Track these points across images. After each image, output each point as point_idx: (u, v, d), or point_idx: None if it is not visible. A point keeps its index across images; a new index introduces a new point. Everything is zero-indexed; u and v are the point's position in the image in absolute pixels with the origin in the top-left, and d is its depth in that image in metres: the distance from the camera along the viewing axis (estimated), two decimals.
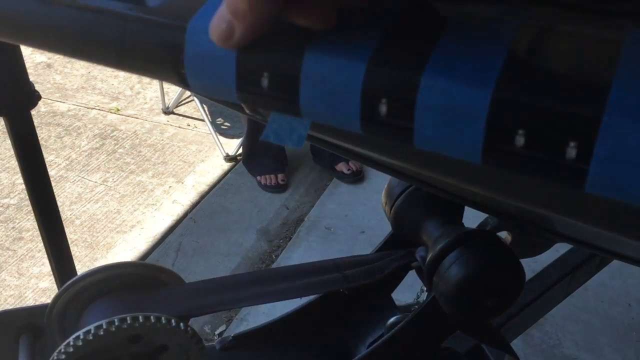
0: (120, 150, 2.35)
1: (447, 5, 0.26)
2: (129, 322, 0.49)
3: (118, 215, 2.02)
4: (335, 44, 0.24)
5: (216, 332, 1.59)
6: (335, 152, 0.48)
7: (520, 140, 0.22)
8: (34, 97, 0.66)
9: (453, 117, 0.22)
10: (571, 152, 0.21)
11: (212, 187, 2.15)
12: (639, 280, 1.73)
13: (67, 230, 1.97)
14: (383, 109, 0.24)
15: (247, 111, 0.35)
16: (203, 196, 2.11)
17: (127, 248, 1.87)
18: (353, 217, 1.97)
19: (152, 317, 0.49)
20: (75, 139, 2.41)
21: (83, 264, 1.81)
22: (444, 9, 0.26)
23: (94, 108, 2.62)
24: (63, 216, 2.01)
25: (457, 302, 0.52)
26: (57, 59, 3.03)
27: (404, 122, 0.24)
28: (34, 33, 0.30)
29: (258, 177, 2.11)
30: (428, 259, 0.54)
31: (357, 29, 0.25)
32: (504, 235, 0.62)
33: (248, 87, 0.26)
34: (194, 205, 2.06)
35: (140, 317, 0.49)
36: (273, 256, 1.85)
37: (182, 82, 0.27)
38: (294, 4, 0.24)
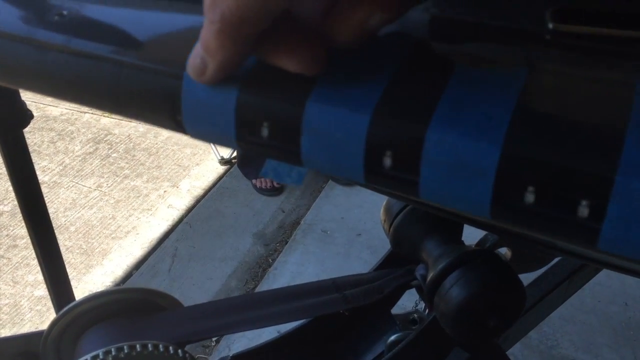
0: (114, 154, 2.34)
1: (450, 46, 0.26)
2: (126, 351, 0.48)
3: (113, 220, 2.01)
4: (337, 94, 0.24)
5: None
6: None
7: (530, 198, 0.21)
8: (27, 117, 0.65)
9: (460, 172, 0.22)
10: (583, 210, 0.20)
11: (208, 191, 2.14)
12: (636, 280, 1.74)
13: (61, 237, 1.95)
14: (387, 161, 0.23)
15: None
16: (198, 200, 2.10)
17: (123, 254, 1.86)
18: (349, 219, 1.96)
19: (149, 345, 0.49)
20: (69, 144, 2.39)
21: (78, 271, 1.80)
22: (449, 53, 0.25)
23: (87, 112, 2.60)
24: (57, 223, 2.00)
25: (458, 323, 0.51)
26: None
27: (410, 176, 0.23)
28: (28, 78, 0.29)
29: (253, 181, 2.10)
30: (428, 279, 0.54)
31: (360, 77, 0.24)
32: (503, 251, 0.61)
33: (247, 136, 0.25)
34: (190, 210, 2.05)
35: (137, 346, 0.48)
36: (270, 260, 1.84)
37: (179, 129, 0.26)
38: (280, 47, 0.23)
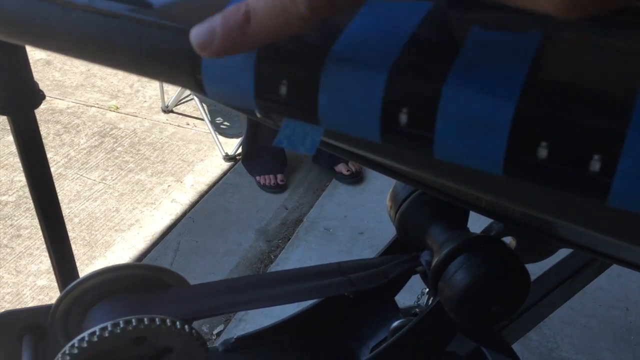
0: (119, 148, 2.35)
1: (466, 11, 0.26)
2: (134, 324, 0.49)
3: (117, 213, 2.01)
4: (356, 52, 0.24)
5: (214, 332, 1.58)
6: (337, 154, 0.48)
7: (543, 153, 0.22)
8: (38, 97, 0.66)
9: (475, 128, 0.22)
10: (595, 165, 0.21)
11: (211, 186, 2.15)
12: (637, 284, 1.74)
13: None
14: (404, 118, 0.24)
15: (260, 116, 0.35)
16: (202, 196, 2.10)
17: (126, 247, 1.87)
18: (352, 218, 1.97)
19: (157, 319, 0.49)
20: (74, 137, 2.40)
21: (81, 262, 1.80)
22: (466, 17, 0.26)
23: (93, 106, 2.62)
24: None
25: (462, 308, 0.52)
26: (57, 56, 3.02)
27: (425, 132, 0.23)
28: (51, 37, 0.30)
29: (257, 177, 2.10)
30: (433, 264, 0.54)
31: (378, 36, 0.25)
32: (508, 240, 0.62)
33: (266, 94, 0.26)
34: (193, 205, 2.06)
35: (145, 319, 0.49)
36: (272, 256, 1.84)
37: (199, 88, 0.27)
38: None
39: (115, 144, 2.37)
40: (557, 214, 0.42)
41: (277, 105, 0.26)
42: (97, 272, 0.54)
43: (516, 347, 1.58)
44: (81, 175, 2.19)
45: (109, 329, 0.48)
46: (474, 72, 0.23)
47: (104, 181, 2.16)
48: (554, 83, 0.22)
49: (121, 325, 0.48)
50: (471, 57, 0.23)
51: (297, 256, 1.82)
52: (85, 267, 1.79)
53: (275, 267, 1.78)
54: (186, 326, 0.51)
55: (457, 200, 0.54)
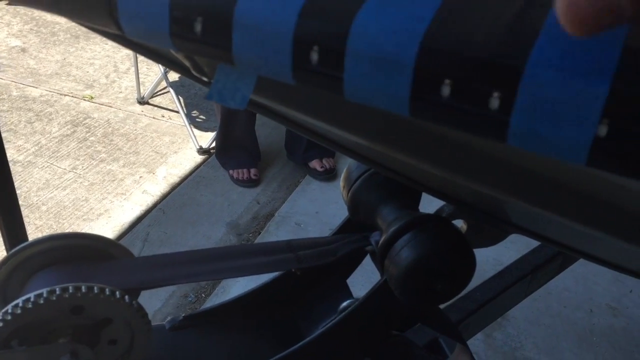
0: (91, 138, 2.32)
1: None
2: (70, 291, 0.48)
3: (86, 203, 1.99)
4: None
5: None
6: (287, 125, 0.47)
7: (446, 90, 0.22)
8: None
9: (381, 66, 0.22)
10: (494, 102, 0.21)
11: (184, 179, 2.13)
12: (602, 287, 1.76)
13: (32, 216, 1.93)
14: (314, 56, 0.23)
15: (194, 72, 0.35)
16: (174, 188, 2.08)
17: None
18: (324, 214, 1.97)
19: (95, 288, 0.48)
20: (46, 125, 2.36)
21: None
22: None
23: (67, 95, 2.58)
24: (29, 202, 1.98)
25: (407, 285, 0.52)
26: (32, 44, 2.98)
27: (334, 71, 0.23)
28: None
29: (230, 171, 2.09)
30: (380, 242, 0.54)
31: None
32: (459, 224, 0.62)
33: (181, 32, 0.25)
34: (164, 197, 2.04)
35: (82, 288, 0.48)
36: None
37: (116, 27, 0.26)
38: None
39: (88, 134, 2.34)
40: (505, 191, 0.43)
41: (192, 44, 0.25)
42: (40, 239, 0.53)
43: (480, 345, 1.60)
44: (51, 163, 2.15)
45: (44, 295, 0.47)
46: (384, 10, 0.23)
47: (74, 170, 2.13)
48: (459, 20, 0.22)
49: (57, 293, 0.47)
50: None
51: None
52: None
53: None
54: (126, 297, 0.50)
55: (408, 180, 0.54)
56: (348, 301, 0.61)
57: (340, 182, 0.63)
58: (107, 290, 0.49)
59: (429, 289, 0.52)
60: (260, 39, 0.24)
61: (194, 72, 0.35)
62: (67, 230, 1.85)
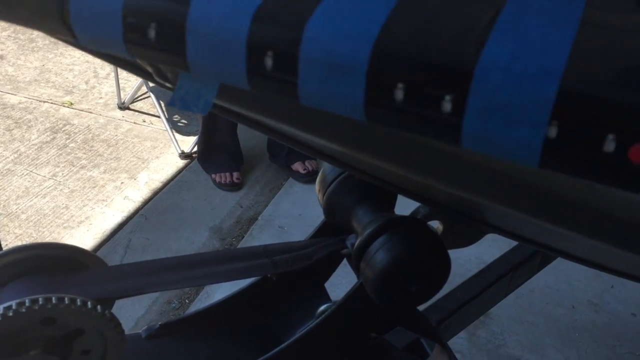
0: (71, 144, 2.29)
1: None
2: (40, 303, 0.47)
3: (66, 210, 1.96)
4: None
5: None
6: (260, 131, 0.47)
7: (399, 95, 0.22)
8: None
9: (335, 71, 0.22)
10: (446, 106, 0.21)
11: (166, 184, 2.11)
12: (584, 284, 1.78)
13: (11, 224, 1.90)
14: (269, 62, 0.23)
15: (156, 78, 0.34)
16: (156, 193, 2.07)
17: (74, 244, 1.82)
18: (307, 216, 1.96)
19: (66, 299, 0.48)
20: (25, 132, 2.34)
21: None
22: None
23: (46, 101, 2.55)
24: (8, 210, 1.95)
25: (382, 288, 0.52)
26: (10, 51, 2.94)
27: (289, 77, 0.23)
28: None
29: (213, 175, 2.08)
30: (356, 245, 0.54)
31: None
32: (436, 224, 0.62)
33: (135, 38, 0.25)
34: (146, 202, 2.02)
35: (53, 299, 0.47)
36: None
37: (70, 34, 0.26)
38: None
39: (68, 140, 2.31)
40: (479, 194, 0.43)
41: (146, 50, 0.25)
42: (10, 250, 0.53)
43: (464, 343, 1.60)
44: (31, 171, 2.13)
45: (14, 308, 0.46)
46: (337, 13, 0.22)
47: (54, 177, 2.10)
48: (411, 22, 0.22)
49: (27, 304, 0.47)
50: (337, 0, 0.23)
51: None
52: None
53: None
54: (98, 307, 0.49)
55: (383, 183, 0.54)
56: (325, 305, 0.61)
57: (316, 185, 0.62)
58: (78, 300, 0.48)
59: (405, 291, 0.52)
60: (215, 45, 0.24)
61: (156, 78, 0.34)
62: (47, 239, 1.83)
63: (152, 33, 0.24)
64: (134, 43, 0.25)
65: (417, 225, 0.54)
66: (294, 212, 1.98)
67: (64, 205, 1.98)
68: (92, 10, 0.25)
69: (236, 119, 0.44)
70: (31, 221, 1.90)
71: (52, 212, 1.95)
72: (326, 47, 0.22)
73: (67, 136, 2.34)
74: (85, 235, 1.86)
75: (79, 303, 0.48)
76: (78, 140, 2.31)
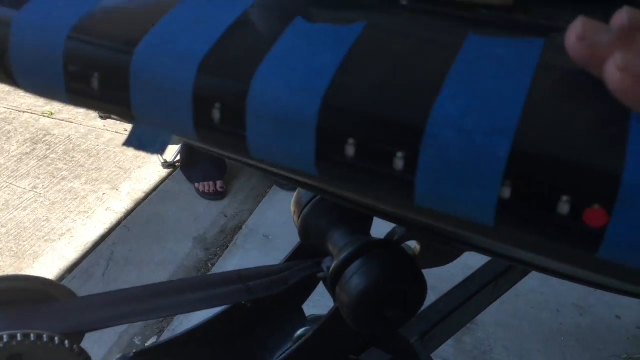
0: (52, 155, 2.26)
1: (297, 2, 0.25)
2: (5, 340, 0.45)
3: (47, 223, 1.94)
4: (167, 43, 0.23)
5: (147, 345, 1.53)
6: (231, 160, 0.46)
7: (350, 150, 0.21)
8: None
9: (284, 125, 0.21)
10: (398, 163, 0.20)
11: (149, 194, 2.09)
12: (568, 287, 1.79)
13: None
14: (216, 114, 0.22)
15: (102, 114, 0.33)
16: (138, 203, 2.05)
17: (55, 257, 1.80)
18: (292, 224, 1.93)
19: (32, 335, 0.46)
20: (4, 144, 2.30)
21: (8, 274, 1.72)
22: (295, 7, 0.25)
23: (26, 111, 2.52)
24: None
25: (358, 314, 0.51)
26: None
27: (237, 129, 0.22)
28: None
29: (196, 184, 2.06)
30: (331, 269, 0.53)
31: (194, 24, 0.23)
32: (413, 244, 0.62)
33: (78, 88, 0.24)
34: (129, 213, 2.00)
35: (18, 336, 0.46)
36: (209, 265, 1.81)
37: (12, 81, 0.25)
38: None
39: (49, 151, 2.28)
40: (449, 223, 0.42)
41: (90, 100, 0.24)
42: None
43: (450, 350, 1.60)
44: (10, 183, 2.09)
45: None
46: (285, 65, 0.21)
47: (34, 189, 2.07)
48: (361, 77, 0.21)
49: None
50: (285, 50, 0.22)
51: (234, 264, 1.78)
52: None
53: None
54: (66, 342, 0.48)
55: (356, 206, 0.53)
56: (303, 329, 0.60)
57: (291, 206, 0.61)
58: (44, 336, 0.47)
59: (381, 316, 0.51)
60: (159, 96, 0.23)
61: (113, 117, 0.33)
62: (28, 253, 1.80)
63: (95, 83, 0.23)
64: (76, 93, 0.24)
65: (393, 249, 0.53)
66: (279, 221, 1.96)
67: (44, 218, 1.95)
68: (32, 57, 0.24)
69: (207, 152, 0.43)
70: (11, 235, 1.87)
71: (33, 225, 1.92)
72: (274, 100, 0.21)
73: (47, 147, 2.31)
74: (66, 248, 1.83)
75: (45, 339, 0.47)
76: (59, 151, 2.29)
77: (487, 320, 1.63)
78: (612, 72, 0.20)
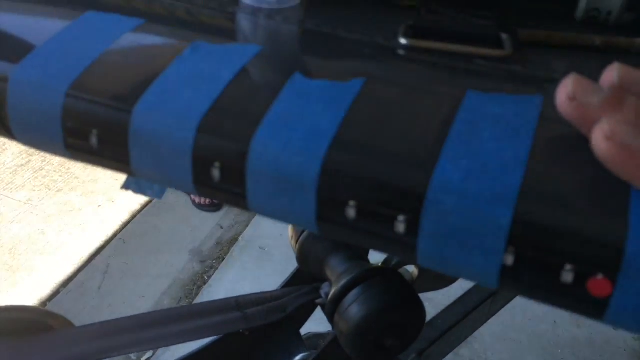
0: (47, 167, 2.25)
1: (295, 56, 0.25)
2: None
3: (42, 236, 1.93)
4: (166, 102, 0.23)
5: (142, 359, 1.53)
6: None
7: (351, 212, 0.21)
8: None
9: (284, 186, 0.21)
10: (400, 226, 0.20)
11: (144, 206, 2.08)
12: None
13: None
14: (216, 173, 0.22)
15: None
16: (134, 215, 2.04)
17: (51, 271, 1.79)
18: (288, 236, 1.95)
19: None
20: (0, 155, 2.29)
21: (2, 288, 1.71)
22: (291, 63, 0.25)
23: None
24: None
25: (356, 343, 0.51)
26: None
27: (237, 189, 0.22)
28: None
29: (192, 196, 2.06)
30: (330, 296, 0.53)
31: (192, 84, 0.23)
32: (411, 268, 0.61)
33: (76, 144, 0.24)
34: (125, 225, 1.99)
35: None
36: (205, 277, 1.80)
37: (10, 135, 0.25)
38: None
39: (44, 163, 2.27)
40: None
41: (88, 156, 0.24)
42: None
43: None
44: (5, 196, 2.08)
45: None
46: (285, 126, 0.21)
47: (29, 202, 2.07)
48: (361, 140, 0.21)
49: None
50: (285, 110, 0.22)
51: (231, 277, 1.78)
52: (6, 294, 1.70)
53: (208, 289, 1.74)
54: None
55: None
56: (301, 355, 0.60)
57: (288, 231, 0.61)
58: None
59: (380, 345, 0.51)
60: (159, 154, 0.23)
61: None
62: (23, 267, 1.79)
63: (94, 140, 0.23)
64: (75, 149, 0.24)
65: (391, 276, 0.53)
66: (275, 233, 1.96)
67: (40, 231, 1.94)
68: (30, 113, 0.24)
69: None
70: (6, 248, 1.86)
71: (28, 238, 1.91)
72: (274, 161, 0.21)
73: (42, 159, 2.30)
74: (62, 262, 1.82)
75: None
76: (54, 163, 2.28)
77: (484, 332, 1.63)
78: (599, 139, 0.20)
